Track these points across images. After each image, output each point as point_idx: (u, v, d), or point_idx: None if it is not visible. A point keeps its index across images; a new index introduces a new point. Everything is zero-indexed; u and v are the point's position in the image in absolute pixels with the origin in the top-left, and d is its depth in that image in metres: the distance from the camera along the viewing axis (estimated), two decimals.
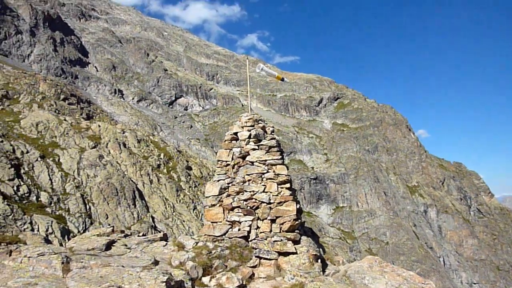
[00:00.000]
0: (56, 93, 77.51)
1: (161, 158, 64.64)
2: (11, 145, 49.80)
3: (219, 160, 12.55)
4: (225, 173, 12.29)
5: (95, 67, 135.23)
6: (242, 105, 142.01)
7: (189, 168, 67.99)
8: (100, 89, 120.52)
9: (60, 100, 76.09)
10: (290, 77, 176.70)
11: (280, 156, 12.21)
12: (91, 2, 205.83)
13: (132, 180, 53.74)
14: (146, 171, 57.52)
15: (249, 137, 12.32)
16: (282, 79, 16.64)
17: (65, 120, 63.07)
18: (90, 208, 46.73)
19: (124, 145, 61.28)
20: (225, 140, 12.73)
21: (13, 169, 44.67)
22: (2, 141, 49.61)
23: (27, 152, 50.16)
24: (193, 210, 57.32)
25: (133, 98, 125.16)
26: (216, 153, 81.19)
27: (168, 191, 57.25)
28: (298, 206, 11.92)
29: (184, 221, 53.68)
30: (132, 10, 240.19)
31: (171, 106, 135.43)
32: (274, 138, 12.37)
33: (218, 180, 12.23)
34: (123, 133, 65.44)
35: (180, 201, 57.35)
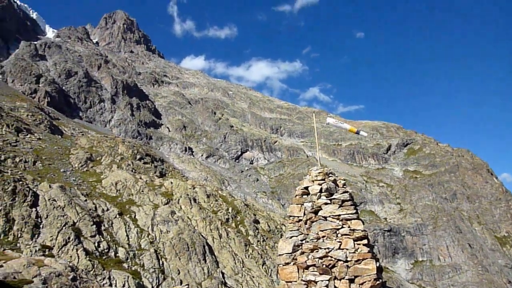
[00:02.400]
0: (133, 153, 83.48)
1: (229, 212, 65.33)
2: (93, 203, 53.70)
3: (290, 216, 12.28)
4: (297, 229, 11.95)
5: (167, 127, 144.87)
6: (307, 156, 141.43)
7: (257, 221, 67.69)
8: (172, 147, 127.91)
9: (137, 160, 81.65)
10: (355, 125, 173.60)
11: (354, 210, 11.67)
12: (163, 69, 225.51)
13: (202, 235, 54.52)
14: (215, 226, 58.23)
15: (321, 191, 12.01)
16: (357, 132, 15.04)
17: (140, 178, 67.11)
18: (163, 263, 47.79)
19: (194, 200, 63.13)
20: (296, 195, 12.51)
21: (95, 226, 47.75)
22: (86, 200, 53.74)
23: (107, 209, 53.61)
24: (262, 265, 56.11)
25: (202, 155, 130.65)
26: (283, 205, 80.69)
27: (237, 245, 57.01)
28: (378, 264, 11.10)
29: (253, 277, 52.56)
30: (199, 73, 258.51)
31: (237, 161, 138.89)
32: (347, 192, 11.93)
33: (291, 237, 11.89)
34: (193, 188, 67.71)
35: (249, 256, 56.64)
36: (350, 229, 11.37)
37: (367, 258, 10.98)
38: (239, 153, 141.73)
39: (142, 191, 61.69)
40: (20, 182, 50.51)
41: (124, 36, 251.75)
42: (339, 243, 11.25)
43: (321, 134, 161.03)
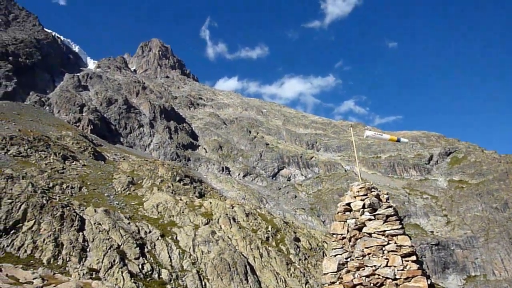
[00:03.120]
0: (173, 175, 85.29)
1: (269, 231, 64.80)
2: (136, 226, 55.02)
3: (333, 234, 11.97)
4: (341, 247, 11.60)
5: (204, 148, 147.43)
6: (345, 171, 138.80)
7: (297, 239, 66.62)
8: (209, 168, 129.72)
9: (176, 181, 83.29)
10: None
11: (400, 226, 11.20)
12: (198, 92, 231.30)
13: (243, 255, 54.25)
14: (255, 245, 57.84)
15: (363, 207, 11.65)
16: (398, 140, 14.74)
17: (180, 199, 68.23)
18: (205, 284, 47.83)
19: (234, 219, 63.20)
20: (338, 212, 12.20)
21: (138, 248, 48.75)
22: (129, 223, 55.16)
23: (150, 231, 54.71)
24: (305, 284, 54.88)
25: (239, 174, 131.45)
26: (323, 222, 79.12)
27: (278, 264, 56.21)
28: (429, 282, 10.53)
29: None
30: (233, 94, 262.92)
31: (274, 178, 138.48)
32: (391, 206, 11.49)
33: (335, 255, 11.55)
34: (232, 208, 67.92)
35: (291, 275, 55.61)
36: (397, 245, 10.90)
37: (417, 276, 10.45)
38: (276, 170, 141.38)
39: (183, 212, 62.60)
40: (68, 208, 52.74)
41: (160, 62, 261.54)
42: (386, 260, 10.80)
43: (359, 147, 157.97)
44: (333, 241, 11.86)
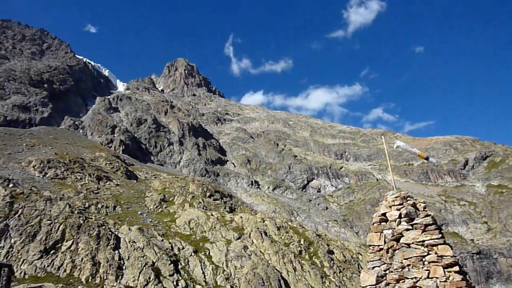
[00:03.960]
0: (203, 191, 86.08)
1: (301, 244, 63.97)
2: (169, 243, 55.64)
3: (370, 245, 11.67)
4: (379, 259, 11.28)
5: (233, 163, 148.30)
6: (377, 180, 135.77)
7: (331, 252, 65.38)
8: (239, 182, 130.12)
9: (207, 197, 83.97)
10: (425, 142, 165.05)
11: (440, 235, 10.80)
12: (224, 108, 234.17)
13: (276, 269, 53.70)
14: (288, 259, 57.17)
15: (400, 216, 11.33)
16: (427, 158, 14.64)
17: (212, 215, 68.62)
18: None
19: (265, 233, 62.84)
20: (374, 223, 11.91)
21: (172, 265, 49.19)
22: (162, 240, 55.87)
23: (183, 248, 55.17)
24: None
25: (268, 187, 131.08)
26: (356, 233, 77.26)
27: (313, 278, 55.21)
28: None
29: None
30: (259, 107, 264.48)
31: (304, 190, 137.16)
32: (429, 215, 11.12)
33: (373, 267, 11.24)
34: (263, 222, 67.62)
35: None
36: (438, 256, 10.50)
37: (461, 287, 10.02)
38: (305, 182, 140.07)
39: (214, 227, 62.86)
40: (103, 227, 54.09)
41: (186, 81, 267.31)
42: (427, 272, 10.41)
43: (390, 155, 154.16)
44: (370, 253, 11.56)
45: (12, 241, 48.62)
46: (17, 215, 53.10)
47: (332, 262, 61.16)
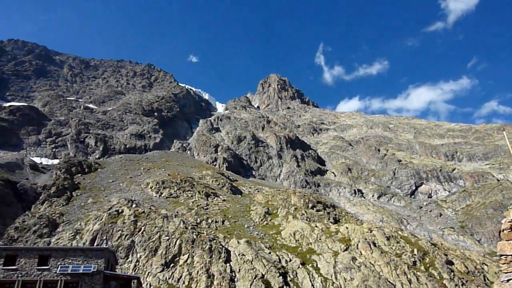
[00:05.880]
0: (305, 202, 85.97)
1: (415, 254, 59.57)
2: (277, 255, 56.48)
3: (501, 255, 10.41)
4: None
5: (333, 172, 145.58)
6: (498, 180, 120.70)
7: (450, 262, 59.60)
8: (340, 192, 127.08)
9: (309, 208, 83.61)
10: None
11: None
12: (319, 118, 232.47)
13: (389, 281, 50.76)
14: (402, 270, 53.61)
15: None
16: None
17: (316, 226, 67.99)
18: None
19: (374, 244, 60.03)
20: (503, 230, 10.61)
21: (281, 277, 49.75)
22: (270, 252, 56.95)
23: (290, 260, 55.50)
24: None
25: (373, 195, 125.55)
26: (478, 241, 69.12)
27: None
28: None
29: None
30: (355, 113, 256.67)
31: (413, 196, 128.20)
32: None
33: (508, 280, 9.98)
34: (371, 232, 64.76)
35: None
36: None
37: None
38: (414, 187, 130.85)
39: (320, 239, 62.10)
40: (214, 241, 57.29)
41: (280, 95, 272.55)
42: None
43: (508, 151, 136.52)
44: (502, 264, 10.30)
45: (138, 255, 54.26)
46: (141, 232, 59.22)
47: (452, 273, 55.67)
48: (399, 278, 52.43)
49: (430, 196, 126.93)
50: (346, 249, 58.68)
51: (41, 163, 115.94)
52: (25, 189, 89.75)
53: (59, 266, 27.42)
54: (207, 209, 77.97)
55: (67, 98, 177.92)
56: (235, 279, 49.75)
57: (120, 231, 58.78)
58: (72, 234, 59.33)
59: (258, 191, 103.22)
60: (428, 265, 58.10)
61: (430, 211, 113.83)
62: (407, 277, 52.54)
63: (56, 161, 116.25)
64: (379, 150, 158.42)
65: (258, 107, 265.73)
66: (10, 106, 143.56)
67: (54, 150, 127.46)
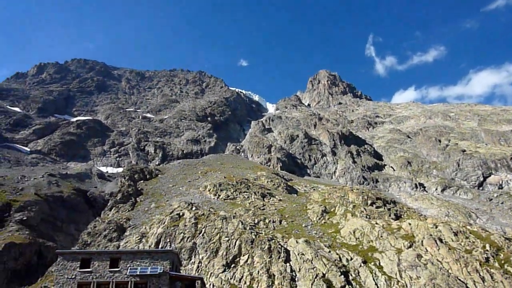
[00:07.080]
0: (363, 199, 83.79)
1: (487, 250, 55.74)
2: (337, 254, 55.63)
3: None
4: None
5: (391, 167, 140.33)
6: None
7: None
8: (401, 187, 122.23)
9: (368, 205, 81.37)
10: None
11: None
12: (373, 111, 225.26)
13: (459, 279, 48.02)
14: (473, 267, 50.44)
15: None
16: None
17: (376, 223, 66.01)
18: None
19: (440, 240, 57.11)
20: None
21: (343, 276, 48.95)
22: (329, 251, 56.24)
23: (351, 259, 54.40)
24: None
25: (436, 189, 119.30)
26: None
27: None
28: None
29: None
30: (412, 104, 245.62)
31: (481, 188, 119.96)
32: None
33: None
34: (436, 227, 61.67)
35: None
36: None
37: None
38: (481, 178, 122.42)
39: (381, 236, 60.24)
40: (273, 241, 57.70)
41: (330, 91, 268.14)
42: None
43: None
44: None
45: (200, 257, 56.14)
46: (201, 234, 61.21)
47: None
48: (471, 275, 49.40)
49: (501, 187, 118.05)
50: (410, 246, 56.42)
51: (107, 172, 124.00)
52: (94, 196, 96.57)
53: (129, 268, 29.37)
54: (264, 209, 78.70)
55: (127, 109, 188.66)
56: (296, 279, 49.77)
57: (182, 234, 61.20)
58: (138, 238, 62.74)
59: (314, 190, 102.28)
60: (503, 262, 54.12)
61: (502, 203, 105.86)
62: (480, 275, 49.34)
63: (120, 169, 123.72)
64: (440, 141, 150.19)
65: (308, 104, 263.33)
66: (77, 120, 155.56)
67: (118, 159, 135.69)
